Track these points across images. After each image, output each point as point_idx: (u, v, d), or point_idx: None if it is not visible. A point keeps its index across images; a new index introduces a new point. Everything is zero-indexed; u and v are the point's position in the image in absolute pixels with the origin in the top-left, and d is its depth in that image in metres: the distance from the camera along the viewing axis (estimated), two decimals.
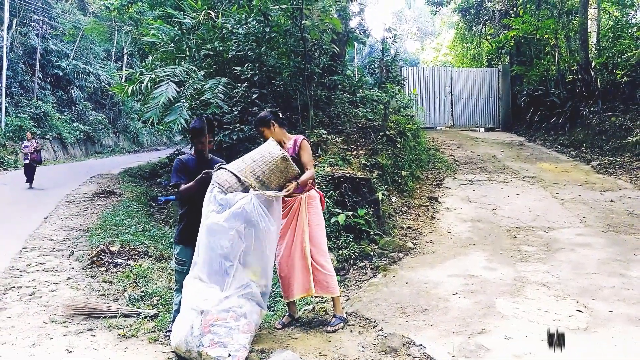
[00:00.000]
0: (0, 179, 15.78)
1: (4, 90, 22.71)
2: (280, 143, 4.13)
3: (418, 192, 8.59)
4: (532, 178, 9.65)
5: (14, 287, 5.26)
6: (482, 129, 18.26)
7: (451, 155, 12.12)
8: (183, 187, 3.90)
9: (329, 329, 4.03)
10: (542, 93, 16.10)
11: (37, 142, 14.81)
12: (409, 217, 7.35)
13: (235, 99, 9.50)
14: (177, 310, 3.87)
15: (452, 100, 18.44)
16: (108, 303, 4.76)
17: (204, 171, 3.83)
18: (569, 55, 16.61)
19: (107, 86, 30.03)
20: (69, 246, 7.21)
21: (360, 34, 12.56)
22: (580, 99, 14.26)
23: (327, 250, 4.25)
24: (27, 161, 14.05)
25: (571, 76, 15.57)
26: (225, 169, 3.78)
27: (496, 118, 18.42)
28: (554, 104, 15.15)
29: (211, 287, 3.60)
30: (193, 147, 4.27)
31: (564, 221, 7.07)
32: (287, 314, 4.37)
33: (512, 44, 18.01)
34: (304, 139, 4.22)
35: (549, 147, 13.39)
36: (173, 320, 3.93)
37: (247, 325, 3.57)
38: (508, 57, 19.28)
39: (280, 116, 4.39)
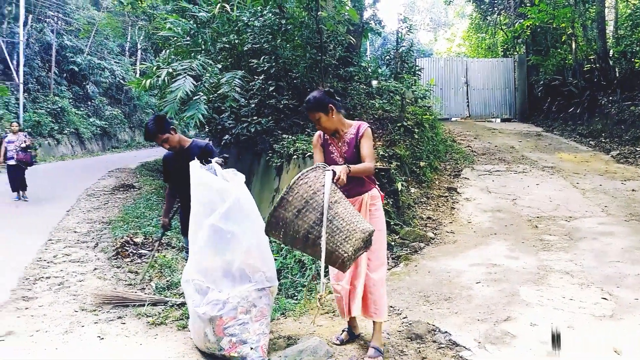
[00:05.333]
0: None
1: (21, 86, 23.03)
2: (337, 132, 3.56)
3: (437, 182, 8.57)
4: (551, 168, 9.58)
5: (42, 277, 5.38)
6: (499, 120, 18.09)
7: (468, 146, 12.05)
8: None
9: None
10: (559, 83, 15.91)
11: (27, 137, 11.16)
12: (428, 208, 7.35)
13: (251, 92, 9.56)
14: None
15: (467, 91, 18.30)
16: (135, 292, 4.85)
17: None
18: (586, 44, 16.35)
19: (122, 81, 30.32)
20: (93, 238, 7.34)
21: (374, 25, 12.52)
22: (599, 89, 14.08)
23: (385, 262, 3.64)
24: (11, 162, 10.60)
25: (589, 65, 15.35)
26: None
27: (513, 108, 18.24)
28: (571, 93, 14.98)
29: (212, 289, 3.45)
30: None
31: (585, 210, 7.02)
32: (346, 329, 3.77)
33: (527, 34, 17.78)
34: (368, 126, 3.58)
35: (567, 137, 13.26)
36: None
37: (260, 312, 3.48)
38: (524, 46, 19.06)
39: (337, 97, 3.63)
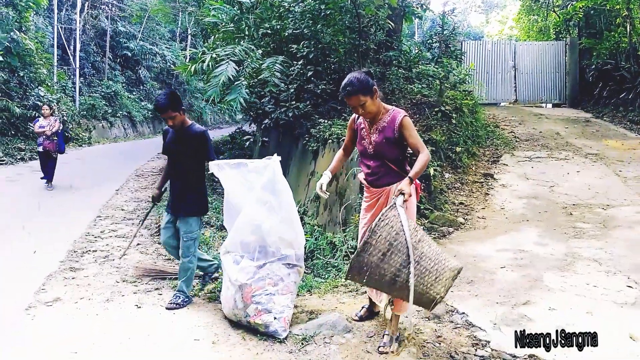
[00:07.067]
0: (75, 154, 16.84)
1: (77, 70, 24.12)
2: (374, 119, 3.36)
3: (473, 168, 8.52)
4: (595, 155, 9.31)
5: (89, 250, 5.81)
6: (550, 105, 17.56)
7: (511, 132, 11.82)
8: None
9: (381, 350, 3.29)
10: (611, 67, 15.26)
11: (58, 122, 10.07)
12: (461, 193, 7.35)
13: (291, 77, 9.73)
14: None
15: (515, 75, 17.81)
16: (173, 266, 5.17)
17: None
18: None
19: (172, 66, 31.15)
20: (138, 215, 7.78)
21: (417, 8, 12.37)
22: None
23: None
24: (40, 148, 9.79)
25: None
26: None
27: (563, 93, 17.63)
28: (623, 78, 14.35)
29: (245, 259, 3.81)
30: None
31: (624, 199, 6.85)
32: (366, 306, 3.90)
33: (580, 16, 17.09)
34: (405, 115, 3.30)
35: (617, 124, 12.76)
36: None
37: (286, 287, 3.76)
38: (576, 29, 18.33)
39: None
